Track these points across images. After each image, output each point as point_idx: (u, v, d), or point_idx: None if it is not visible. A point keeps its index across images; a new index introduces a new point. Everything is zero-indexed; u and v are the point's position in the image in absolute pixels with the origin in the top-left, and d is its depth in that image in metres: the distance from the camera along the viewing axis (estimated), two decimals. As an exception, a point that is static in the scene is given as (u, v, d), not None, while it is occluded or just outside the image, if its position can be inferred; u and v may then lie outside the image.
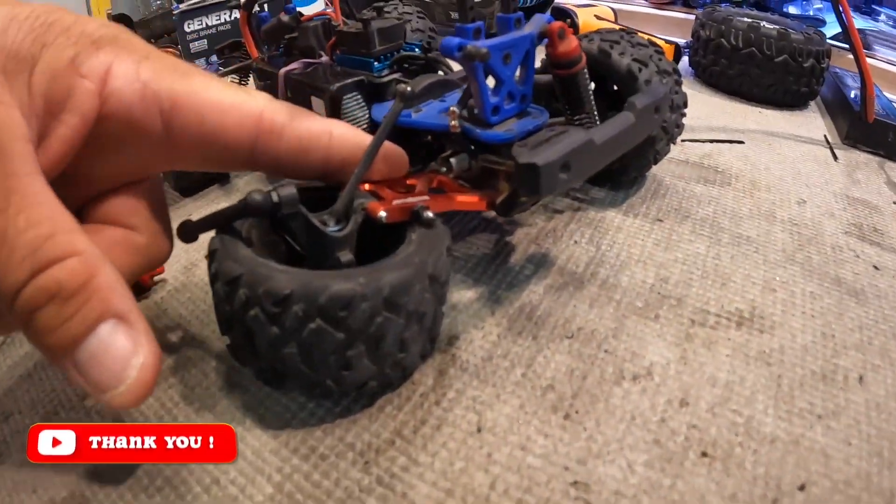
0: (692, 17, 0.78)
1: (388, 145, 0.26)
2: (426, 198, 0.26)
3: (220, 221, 0.25)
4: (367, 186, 0.27)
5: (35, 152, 0.19)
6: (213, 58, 0.65)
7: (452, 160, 0.29)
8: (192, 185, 0.45)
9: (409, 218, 0.26)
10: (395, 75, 0.34)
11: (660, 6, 0.82)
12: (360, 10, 0.44)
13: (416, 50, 0.35)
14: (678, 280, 0.34)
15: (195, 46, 0.67)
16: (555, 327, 0.30)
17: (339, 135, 0.25)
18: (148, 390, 0.20)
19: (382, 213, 0.25)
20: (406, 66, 0.35)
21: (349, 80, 0.32)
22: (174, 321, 0.33)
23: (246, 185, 0.46)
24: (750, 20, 0.60)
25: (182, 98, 0.22)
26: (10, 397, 0.30)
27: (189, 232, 0.26)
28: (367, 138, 0.26)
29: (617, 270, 0.34)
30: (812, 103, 0.65)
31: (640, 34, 0.66)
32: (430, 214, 0.25)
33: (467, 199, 0.28)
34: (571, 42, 0.29)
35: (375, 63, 0.34)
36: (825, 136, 0.56)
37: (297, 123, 0.24)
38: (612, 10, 0.73)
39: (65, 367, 0.19)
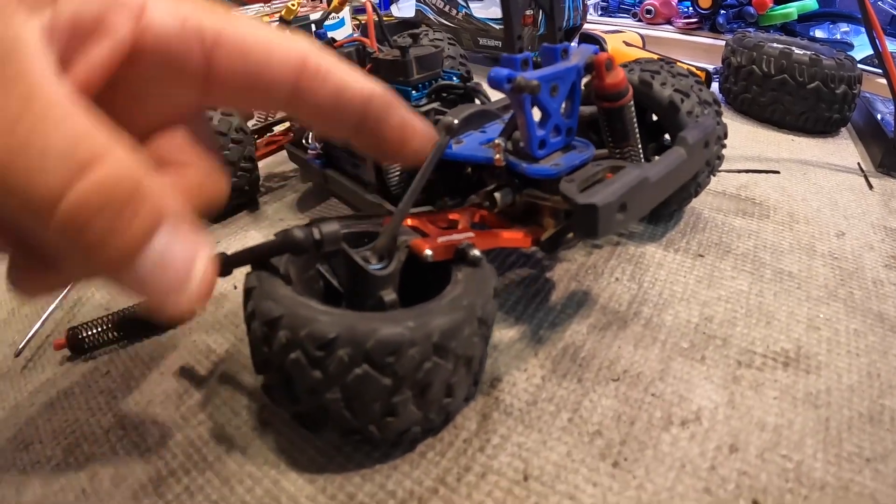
0: (719, 42, 0.78)
1: None
2: (471, 234, 0.26)
3: (256, 257, 0.24)
4: (409, 222, 0.26)
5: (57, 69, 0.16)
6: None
7: (496, 195, 0.28)
8: (220, 212, 0.44)
9: (454, 256, 0.25)
10: (434, 105, 0.33)
11: (687, 31, 0.82)
12: (391, 35, 0.44)
13: (455, 79, 0.34)
14: (722, 319, 0.33)
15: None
16: (600, 369, 0.29)
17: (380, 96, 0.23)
18: (212, 288, 0.19)
19: (428, 252, 0.24)
20: (444, 95, 0.34)
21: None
22: (203, 354, 0.32)
23: (275, 213, 0.45)
24: (781, 46, 0.59)
25: (225, 33, 0.20)
26: (31, 426, 0.29)
27: (224, 266, 0.25)
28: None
29: (660, 309, 0.33)
30: (843, 129, 0.63)
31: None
32: (476, 253, 0.24)
33: (512, 236, 0.27)
34: (619, 74, 0.28)
35: (413, 92, 0.33)
36: (859, 163, 0.55)
37: (341, 73, 0.22)
38: (640, 36, 0.72)
39: (121, 282, 0.17)
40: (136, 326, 0.34)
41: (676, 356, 0.30)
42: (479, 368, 0.25)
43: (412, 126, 0.22)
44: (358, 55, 0.39)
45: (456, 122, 0.23)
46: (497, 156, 0.27)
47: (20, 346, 0.34)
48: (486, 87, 0.37)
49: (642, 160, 0.31)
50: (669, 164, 0.25)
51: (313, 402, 0.22)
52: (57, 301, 0.37)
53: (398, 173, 0.33)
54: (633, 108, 0.29)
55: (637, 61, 0.37)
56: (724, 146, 0.39)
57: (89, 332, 0.33)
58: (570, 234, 0.27)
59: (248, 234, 0.43)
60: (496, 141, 0.27)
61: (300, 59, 0.22)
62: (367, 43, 0.39)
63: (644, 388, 0.28)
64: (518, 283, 0.35)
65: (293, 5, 0.40)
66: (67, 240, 0.16)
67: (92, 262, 0.17)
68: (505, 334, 0.31)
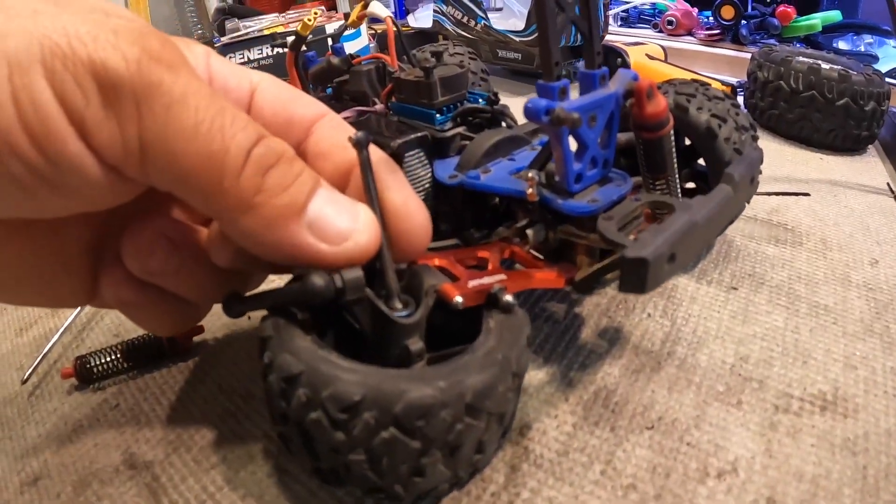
0: (742, 54, 0.76)
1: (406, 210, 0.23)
2: (503, 277, 0.24)
3: (272, 303, 0.23)
4: (436, 261, 0.25)
5: None
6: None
7: (529, 232, 0.26)
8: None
9: (485, 301, 0.23)
10: (459, 129, 0.32)
11: (709, 43, 0.80)
12: (410, 47, 0.42)
13: (481, 101, 0.33)
14: (758, 359, 0.31)
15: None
16: (633, 416, 0.27)
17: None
18: (378, 238, 0.21)
19: (459, 299, 0.22)
20: (470, 118, 0.32)
21: (412, 136, 0.30)
22: (217, 387, 0.31)
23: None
24: (810, 61, 0.57)
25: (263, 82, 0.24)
26: (39, 458, 0.28)
27: (235, 308, 0.23)
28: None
29: (695, 348, 0.31)
30: (871, 146, 0.62)
31: (692, 73, 0.64)
32: (509, 299, 0.23)
33: (545, 277, 0.26)
34: (660, 103, 0.26)
35: (437, 115, 0.31)
36: (888, 183, 0.53)
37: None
38: (662, 48, 0.70)
39: (291, 233, 0.20)
40: (146, 357, 0.32)
41: (712, 401, 0.28)
42: (510, 420, 0.23)
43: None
44: (378, 73, 0.37)
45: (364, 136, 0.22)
46: (530, 190, 0.25)
47: (27, 374, 0.33)
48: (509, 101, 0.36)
49: (679, 193, 0.29)
50: (716, 204, 0.23)
51: (334, 462, 0.20)
52: (66, 325, 0.36)
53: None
54: (672, 138, 0.28)
55: (671, 83, 0.36)
56: (760, 172, 0.37)
57: (98, 362, 0.32)
58: (607, 277, 0.25)
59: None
60: (530, 174, 0.25)
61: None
62: (387, 60, 0.37)
63: (679, 436, 0.27)
64: (546, 318, 0.34)
65: (309, 20, 0.39)
66: (252, 185, 0.19)
67: (268, 209, 0.19)
68: (534, 376, 0.30)
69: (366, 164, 0.22)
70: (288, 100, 0.24)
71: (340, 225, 0.21)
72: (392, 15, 0.37)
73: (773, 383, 0.30)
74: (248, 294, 0.23)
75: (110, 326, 0.37)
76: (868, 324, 0.34)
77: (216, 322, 0.35)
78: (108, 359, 0.32)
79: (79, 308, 0.38)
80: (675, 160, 0.28)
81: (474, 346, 0.21)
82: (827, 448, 0.26)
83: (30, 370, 0.33)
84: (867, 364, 0.31)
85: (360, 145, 0.22)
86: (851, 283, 0.38)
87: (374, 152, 0.23)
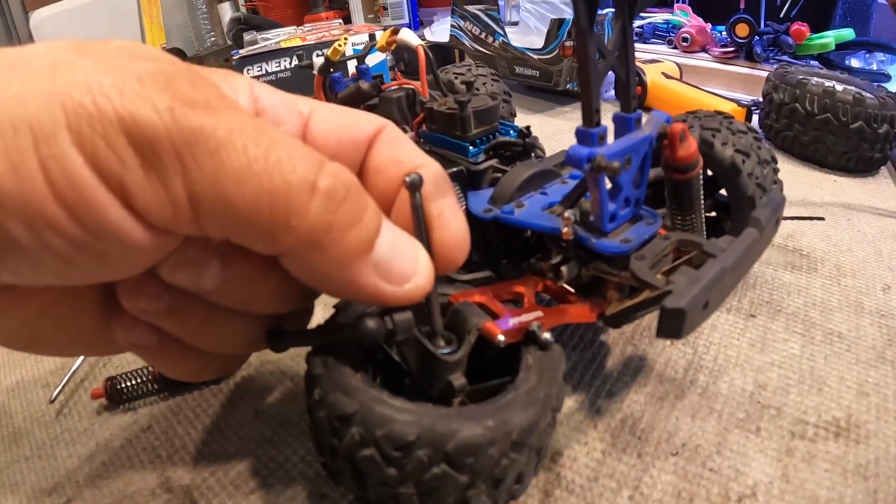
0: (756, 72, 0.77)
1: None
2: (540, 314, 0.25)
3: (319, 341, 0.24)
4: (476, 297, 0.26)
5: None
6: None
7: (563, 269, 0.27)
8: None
9: (523, 338, 0.24)
10: (492, 162, 0.33)
11: (723, 60, 0.81)
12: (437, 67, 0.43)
13: (512, 132, 0.34)
14: (776, 386, 0.32)
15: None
16: (659, 443, 0.29)
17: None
18: (433, 276, 0.22)
19: (501, 338, 0.23)
20: (502, 151, 0.33)
21: (449, 171, 0.31)
22: (253, 412, 0.31)
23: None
24: (826, 84, 0.58)
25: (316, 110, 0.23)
26: (71, 480, 0.28)
27: (280, 343, 0.24)
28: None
29: (716, 376, 0.33)
30: (882, 168, 0.62)
31: (708, 93, 0.65)
32: (547, 336, 0.24)
33: (579, 312, 0.27)
34: (691, 146, 0.28)
35: (471, 147, 0.32)
36: (900, 206, 0.54)
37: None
38: (678, 65, 0.71)
39: (359, 271, 0.19)
40: (179, 380, 0.32)
41: (733, 428, 0.30)
42: (546, 450, 0.25)
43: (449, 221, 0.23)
44: (407, 101, 0.38)
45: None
46: (566, 229, 0.26)
47: (55, 393, 0.33)
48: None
49: (704, 228, 0.31)
50: (744, 249, 0.24)
51: (383, 493, 0.21)
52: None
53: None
54: (700, 179, 0.29)
55: (696, 116, 0.37)
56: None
57: (129, 384, 0.32)
58: (640, 313, 0.27)
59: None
60: (566, 214, 0.26)
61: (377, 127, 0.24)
62: (417, 88, 0.38)
63: (702, 462, 0.28)
64: (574, 346, 0.35)
65: (340, 45, 0.40)
66: (327, 221, 0.18)
67: (337, 246, 0.18)
68: (564, 404, 0.31)
69: (418, 208, 0.22)
70: (346, 125, 0.23)
71: (404, 266, 0.20)
72: (423, 44, 0.38)
73: (790, 410, 0.31)
74: (294, 330, 0.24)
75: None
76: (880, 351, 0.35)
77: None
78: (140, 381, 0.32)
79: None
80: (701, 199, 0.30)
81: (516, 383, 0.23)
82: (840, 473, 0.28)
83: (57, 389, 0.33)
84: (879, 391, 0.32)
85: (413, 187, 0.21)
86: (864, 309, 0.39)
87: (429, 168, 0.23)
